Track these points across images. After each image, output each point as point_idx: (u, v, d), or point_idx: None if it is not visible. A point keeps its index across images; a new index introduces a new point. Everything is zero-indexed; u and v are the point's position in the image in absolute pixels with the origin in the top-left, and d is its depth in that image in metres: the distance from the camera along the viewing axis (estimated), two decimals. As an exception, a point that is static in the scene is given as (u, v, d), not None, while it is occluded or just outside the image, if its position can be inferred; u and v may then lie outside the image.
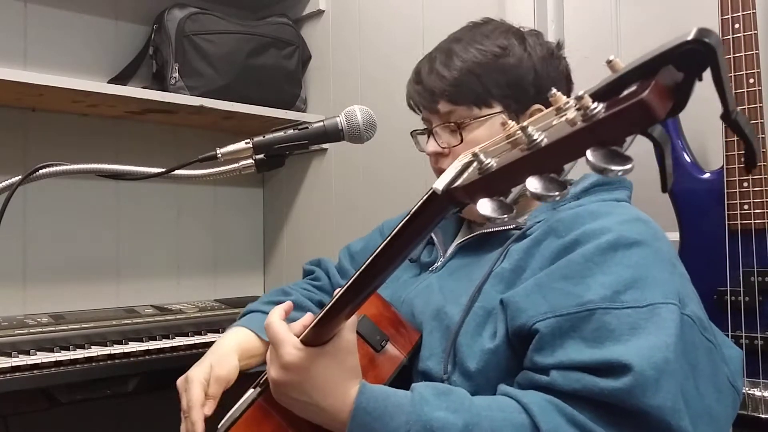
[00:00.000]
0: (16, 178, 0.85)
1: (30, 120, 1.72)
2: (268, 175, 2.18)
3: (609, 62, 0.47)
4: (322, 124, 0.91)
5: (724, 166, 1.14)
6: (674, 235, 1.20)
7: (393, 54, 1.76)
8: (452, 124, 0.92)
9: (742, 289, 1.11)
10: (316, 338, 0.73)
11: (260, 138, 0.89)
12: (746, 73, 1.10)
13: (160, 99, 1.66)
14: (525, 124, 0.49)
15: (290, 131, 0.90)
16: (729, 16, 1.12)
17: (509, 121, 0.52)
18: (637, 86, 0.44)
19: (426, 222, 0.60)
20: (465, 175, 0.55)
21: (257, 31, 1.87)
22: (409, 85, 1.00)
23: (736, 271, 1.12)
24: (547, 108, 0.50)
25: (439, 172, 0.95)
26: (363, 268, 0.66)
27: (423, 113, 0.99)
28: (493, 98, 0.91)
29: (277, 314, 0.80)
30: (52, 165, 0.85)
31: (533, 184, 0.47)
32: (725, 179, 1.13)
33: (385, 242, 0.63)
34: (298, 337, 0.74)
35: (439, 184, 0.56)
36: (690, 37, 0.42)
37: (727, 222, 1.13)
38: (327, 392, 0.72)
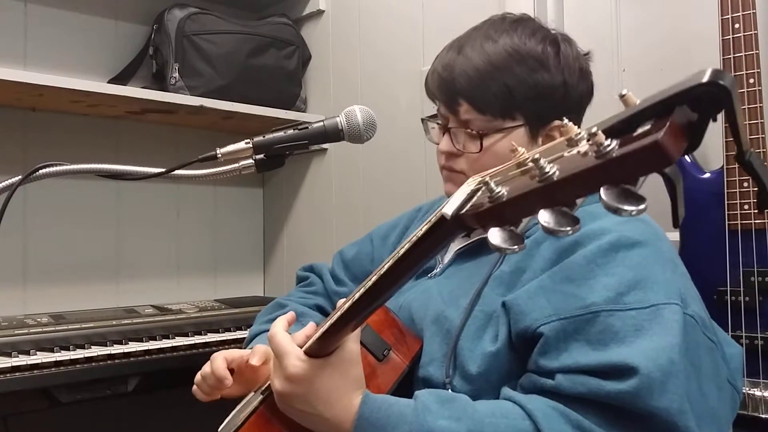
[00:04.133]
0: (16, 178, 0.85)
1: (30, 120, 1.72)
2: (268, 175, 2.18)
3: (622, 96, 0.46)
4: (322, 124, 0.91)
5: (724, 166, 1.14)
6: (674, 235, 1.20)
7: (393, 54, 1.76)
8: (473, 131, 0.88)
9: (742, 288, 1.11)
10: (321, 350, 0.73)
11: (260, 138, 0.89)
12: (746, 73, 1.10)
13: (160, 99, 1.66)
14: (537, 155, 0.48)
15: (290, 131, 0.90)
16: (729, 16, 1.12)
17: (519, 148, 0.51)
18: (652, 125, 0.44)
19: (434, 244, 0.60)
20: (474, 200, 0.54)
21: (257, 31, 1.87)
22: (432, 75, 0.93)
23: (736, 271, 1.12)
24: (566, 121, 0.49)
25: (447, 171, 0.94)
26: (369, 286, 0.65)
27: (440, 107, 0.93)
28: (519, 111, 0.87)
29: (280, 325, 0.80)
30: (52, 165, 0.85)
31: (545, 217, 0.47)
32: (725, 179, 1.13)
33: (392, 262, 0.63)
34: (302, 347, 0.74)
35: (449, 209, 0.55)
36: (705, 80, 0.42)
37: (727, 222, 1.13)
38: (331, 403, 0.72)
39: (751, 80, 1.10)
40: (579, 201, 0.48)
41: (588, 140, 0.45)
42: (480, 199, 0.53)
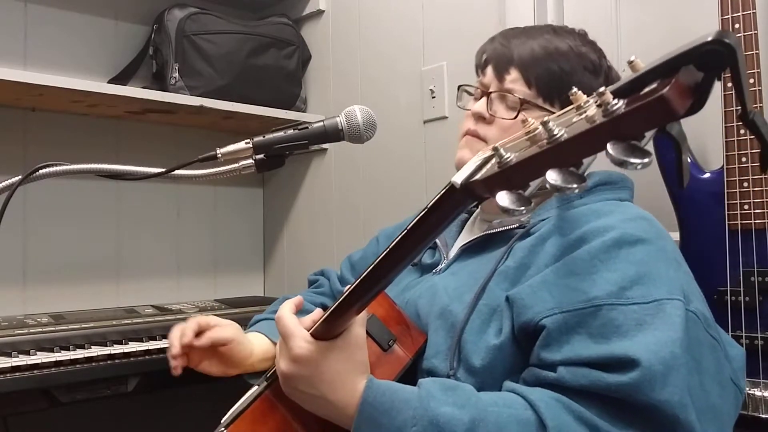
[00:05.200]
0: (16, 178, 0.85)
1: (30, 120, 1.72)
2: (268, 175, 2.18)
3: (630, 63, 0.48)
4: (322, 124, 0.91)
5: (724, 166, 1.13)
6: (674, 235, 1.19)
7: (393, 54, 1.76)
8: (517, 98, 0.90)
9: (742, 289, 1.11)
10: (327, 332, 0.73)
11: (260, 138, 0.89)
12: (746, 73, 1.10)
13: (160, 99, 1.66)
14: (546, 119, 0.49)
15: (290, 131, 0.90)
16: (729, 16, 1.12)
17: (529, 119, 0.53)
18: (658, 84, 0.45)
19: (444, 215, 0.60)
20: (484, 170, 0.55)
21: (257, 31, 1.87)
22: (491, 42, 0.96)
23: (736, 271, 1.12)
24: (575, 90, 0.52)
25: (470, 136, 0.94)
26: (377, 261, 0.66)
27: (485, 75, 0.95)
28: (559, 101, 0.91)
29: (287, 308, 0.81)
30: (52, 165, 0.86)
31: (553, 176, 0.48)
32: (725, 179, 1.13)
33: (402, 235, 0.63)
34: (309, 330, 0.75)
35: (458, 177, 0.56)
36: (711, 38, 0.43)
37: (727, 222, 1.13)
38: (336, 386, 0.72)
39: (751, 80, 1.10)
40: (586, 161, 0.49)
41: (596, 102, 0.47)
42: (490, 167, 0.54)
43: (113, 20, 1.87)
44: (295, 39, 1.95)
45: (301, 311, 1.04)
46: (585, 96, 0.49)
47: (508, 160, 0.51)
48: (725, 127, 1.12)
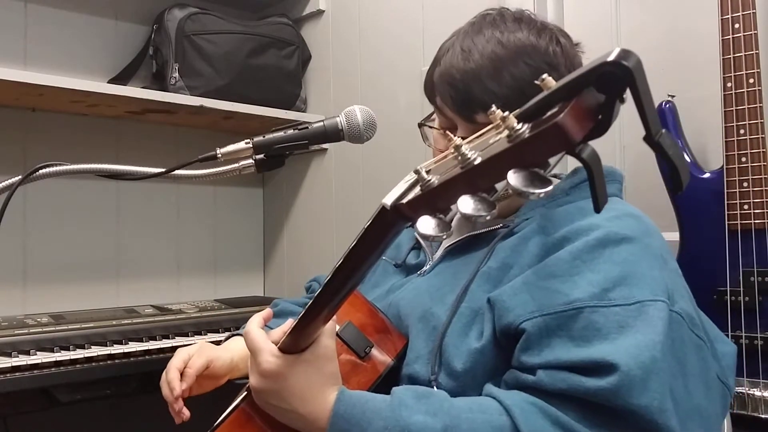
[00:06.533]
0: (16, 178, 0.85)
1: (30, 120, 1.72)
2: (268, 175, 2.18)
3: (542, 80, 0.46)
4: (322, 124, 0.91)
5: (724, 166, 1.14)
6: (674, 235, 1.20)
7: (393, 54, 1.76)
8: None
9: (742, 289, 1.11)
10: (294, 345, 0.73)
11: (260, 138, 0.89)
12: (746, 73, 1.10)
13: (160, 99, 1.66)
14: (459, 142, 0.48)
15: (290, 131, 0.90)
16: (729, 16, 1.12)
17: (453, 137, 0.51)
18: (558, 108, 0.44)
19: (379, 236, 0.60)
20: (414, 189, 0.55)
21: (257, 31, 1.87)
22: (441, 84, 0.87)
23: (736, 271, 1.12)
24: (494, 108, 0.50)
25: None
26: (326, 282, 0.66)
27: (446, 111, 0.89)
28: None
29: (255, 322, 0.81)
30: (52, 165, 0.86)
31: (465, 203, 0.47)
32: (725, 179, 1.13)
33: (342, 259, 0.63)
34: (278, 343, 0.75)
35: (388, 199, 0.56)
36: (609, 59, 0.42)
37: (727, 222, 1.13)
38: (305, 399, 0.72)
39: (751, 80, 1.10)
40: (499, 186, 0.48)
41: (504, 125, 0.46)
42: (417, 188, 0.54)
43: (113, 20, 1.87)
44: (295, 39, 1.95)
45: (285, 314, 1.05)
46: (500, 114, 0.48)
47: (430, 182, 0.50)
48: (725, 127, 1.12)
